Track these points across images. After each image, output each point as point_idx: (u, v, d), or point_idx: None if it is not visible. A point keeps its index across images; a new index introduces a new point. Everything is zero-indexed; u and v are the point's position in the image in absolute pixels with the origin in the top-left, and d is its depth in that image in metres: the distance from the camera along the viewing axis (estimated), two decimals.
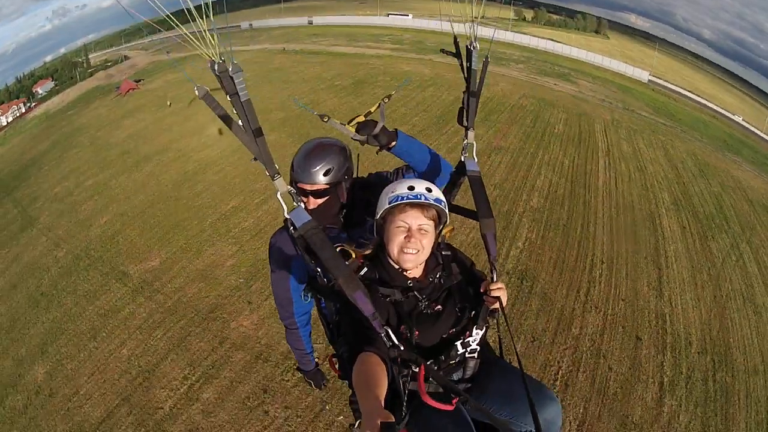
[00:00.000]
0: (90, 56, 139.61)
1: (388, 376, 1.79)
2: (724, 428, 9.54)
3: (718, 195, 22.17)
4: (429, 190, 2.07)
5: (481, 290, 2.14)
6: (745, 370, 11.12)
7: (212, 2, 1.70)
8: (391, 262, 2.12)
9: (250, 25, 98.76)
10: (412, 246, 2.04)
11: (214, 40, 1.73)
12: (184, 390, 9.77)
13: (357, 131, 2.31)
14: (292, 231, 2.00)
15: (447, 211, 2.12)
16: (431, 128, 24.14)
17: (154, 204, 18.43)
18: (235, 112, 1.84)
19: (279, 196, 1.99)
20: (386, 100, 2.40)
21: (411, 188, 2.05)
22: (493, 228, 2.22)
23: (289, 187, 2.03)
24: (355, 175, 2.57)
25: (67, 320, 13.77)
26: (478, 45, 2.32)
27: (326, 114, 2.34)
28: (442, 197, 2.11)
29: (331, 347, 2.61)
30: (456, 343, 2.08)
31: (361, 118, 2.33)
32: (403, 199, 2.03)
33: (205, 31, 1.68)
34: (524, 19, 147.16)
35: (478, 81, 2.38)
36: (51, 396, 10.89)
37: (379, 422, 1.34)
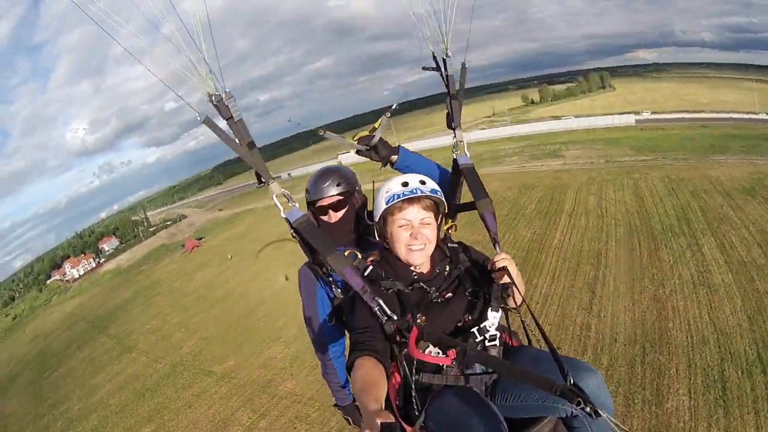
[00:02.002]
0: (148, 214, 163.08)
1: (387, 377, 1.81)
2: (656, 399, 11.48)
3: (684, 205, 25.24)
4: (423, 182, 2.10)
5: (489, 268, 2.14)
6: (689, 344, 13.30)
7: (207, 34, 1.92)
8: (397, 259, 2.13)
9: (289, 174, 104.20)
10: (418, 242, 2.07)
11: (211, 77, 1.95)
12: (248, 426, 17.63)
13: (357, 143, 2.54)
14: (287, 223, 2.18)
15: (443, 199, 2.15)
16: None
17: (227, 329, 27.59)
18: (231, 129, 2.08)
19: (275, 198, 2.14)
20: (388, 115, 2.59)
21: (405, 184, 2.08)
22: (490, 207, 2.30)
23: (283, 190, 2.16)
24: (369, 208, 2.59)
25: (168, 401, 22.09)
26: (451, 54, 2.52)
27: (321, 128, 2.59)
28: (437, 187, 2.14)
29: None
30: (473, 329, 2.01)
31: (364, 133, 2.56)
32: (399, 196, 2.04)
33: (208, 72, 1.95)
34: (532, 102, 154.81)
35: (458, 86, 2.58)
36: None
37: (379, 423, 1.34)
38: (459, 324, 2.02)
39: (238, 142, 2.05)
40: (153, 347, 31.16)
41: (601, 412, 1.35)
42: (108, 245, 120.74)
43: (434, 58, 2.54)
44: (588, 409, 1.37)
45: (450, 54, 2.50)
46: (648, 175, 34.24)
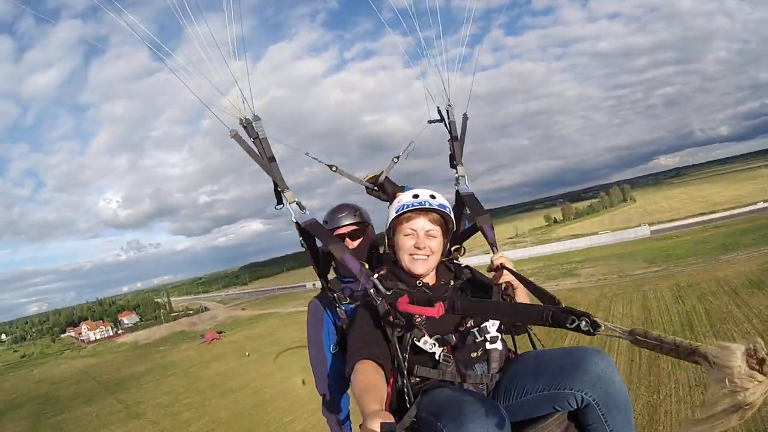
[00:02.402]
0: (171, 299, 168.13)
1: (387, 379, 1.83)
2: None
3: (689, 311, 25.88)
4: (433, 197, 2.16)
5: (487, 271, 2.29)
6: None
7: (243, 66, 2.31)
8: (403, 271, 2.18)
9: (314, 285, 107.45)
10: (422, 251, 2.11)
11: (244, 105, 2.31)
12: None
13: (368, 182, 2.83)
14: (296, 227, 2.34)
15: (452, 216, 2.21)
16: None
17: (237, 416, 30.35)
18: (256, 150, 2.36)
19: (288, 205, 2.34)
20: (396, 160, 2.89)
21: (415, 196, 2.15)
22: (487, 220, 2.45)
23: (296, 198, 2.35)
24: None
25: None
26: (452, 103, 2.86)
27: (334, 164, 2.77)
28: (447, 203, 2.21)
29: None
30: (473, 330, 2.01)
31: (373, 174, 2.89)
32: (408, 206, 2.12)
33: (243, 100, 2.30)
34: (555, 221, 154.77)
35: (459, 130, 2.87)
36: None
37: (379, 423, 1.35)
38: (460, 329, 2.01)
39: (261, 156, 2.34)
40: (161, 419, 33.82)
41: (599, 322, 1.28)
42: (128, 319, 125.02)
43: (438, 111, 2.89)
44: (584, 325, 1.28)
45: (452, 104, 2.85)
46: (657, 285, 34.69)
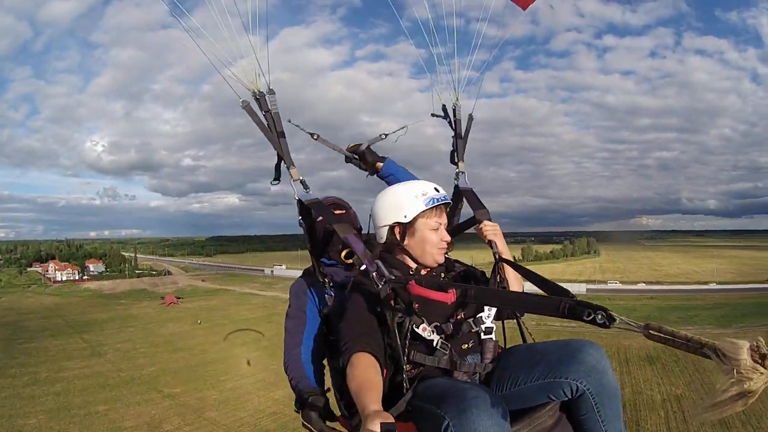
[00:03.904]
0: (138, 256, 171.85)
1: (383, 372, 1.81)
2: None
3: None
4: (439, 190, 2.22)
5: (475, 229, 2.47)
6: None
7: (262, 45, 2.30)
8: (396, 260, 2.17)
9: (272, 271, 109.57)
10: (445, 241, 2.18)
11: (257, 79, 2.30)
12: (176, 426, 27.80)
13: (348, 150, 2.83)
14: (298, 206, 2.33)
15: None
16: None
17: (183, 369, 38.11)
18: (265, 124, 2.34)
19: (292, 182, 2.31)
20: (383, 137, 2.88)
21: (437, 189, 2.19)
22: (487, 215, 2.50)
23: (301, 176, 2.33)
24: None
25: (122, 397, 32.24)
26: (460, 103, 2.90)
27: (316, 133, 2.70)
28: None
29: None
30: (468, 320, 2.03)
31: (355, 144, 2.86)
32: (437, 201, 2.15)
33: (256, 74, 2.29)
34: (514, 259, 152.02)
35: (464, 128, 2.91)
36: None
37: (379, 423, 1.34)
38: (452, 319, 2.01)
39: (270, 130, 2.32)
40: (119, 361, 41.34)
41: (615, 316, 1.32)
42: (94, 267, 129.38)
43: (443, 108, 2.92)
44: (599, 318, 1.33)
45: (459, 103, 2.88)
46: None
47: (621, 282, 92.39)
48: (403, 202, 2.15)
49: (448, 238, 2.19)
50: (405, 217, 2.13)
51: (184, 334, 51.40)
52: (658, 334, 1.33)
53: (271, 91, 2.33)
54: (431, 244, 2.14)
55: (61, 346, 46.15)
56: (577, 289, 78.04)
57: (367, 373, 1.71)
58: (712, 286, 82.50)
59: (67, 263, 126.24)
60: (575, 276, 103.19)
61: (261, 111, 2.33)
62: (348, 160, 2.88)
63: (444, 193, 2.21)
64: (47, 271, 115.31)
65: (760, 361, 1.21)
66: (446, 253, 2.24)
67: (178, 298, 77.25)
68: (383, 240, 2.19)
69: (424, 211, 2.12)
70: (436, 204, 2.14)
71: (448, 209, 2.26)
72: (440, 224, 2.17)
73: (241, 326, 46.96)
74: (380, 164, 2.80)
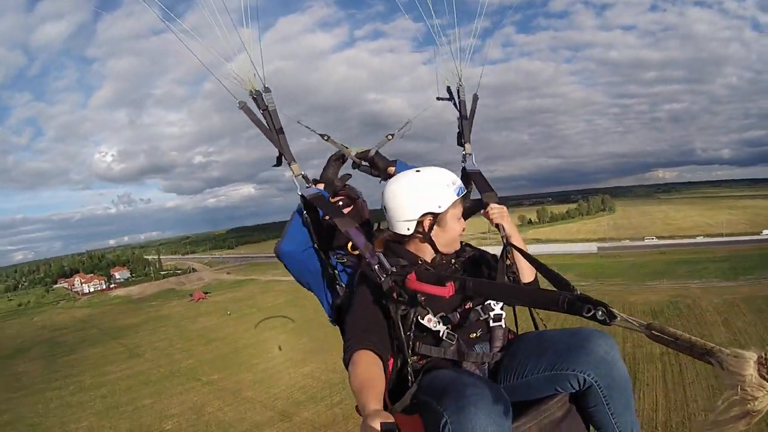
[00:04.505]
0: (161, 257, 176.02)
1: (385, 371, 1.76)
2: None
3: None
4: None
5: (482, 213, 2.40)
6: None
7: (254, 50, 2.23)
8: (404, 250, 2.13)
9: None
10: (464, 229, 2.17)
11: (253, 78, 2.25)
12: (216, 408, 28.91)
13: (357, 156, 2.76)
14: (301, 200, 2.29)
15: None
16: None
17: (218, 358, 39.35)
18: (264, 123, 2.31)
19: (294, 178, 2.30)
20: (389, 138, 2.81)
21: (456, 180, 2.13)
22: (495, 198, 2.43)
23: (302, 171, 2.32)
24: None
25: (165, 389, 33.55)
26: (464, 83, 2.81)
27: (326, 134, 2.71)
28: None
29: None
30: (476, 308, 1.99)
31: (363, 149, 2.77)
32: (463, 190, 2.12)
33: (254, 73, 2.25)
34: (530, 222, 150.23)
35: (469, 109, 2.84)
36: None
37: (379, 423, 1.33)
38: (460, 307, 1.97)
39: (269, 128, 2.30)
40: (157, 357, 42.78)
41: (615, 313, 1.28)
42: (119, 274, 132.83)
43: (448, 89, 2.86)
44: (600, 315, 1.30)
45: (463, 83, 2.81)
46: None
47: (631, 239, 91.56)
48: (436, 192, 2.05)
49: (465, 225, 2.18)
50: (439, 207, 2.04)
51: (216, 326, 52.79)
52: (660, 335, 1.26)
53: (267, 89, 2.29)
54: (454, 231, 2.10)
55: (101, 353, 47.85)
56: (588, 248, 78.92)
57: (368, 372, 1.69)
58: (721, 238, 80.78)
59: (92, 275, 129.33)
60: (589, 235, 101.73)
61: (259, 109, 2.30)
62: (356, 166, 2.80)
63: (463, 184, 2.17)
64: (73, 285, 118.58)
65: (767, 377, 1.09)
66: None
67: (206, 293, 79.00)
68: (410, 232, 2.08)
69: (455, 201, 2.07)
70: (464, 193, 2.12)
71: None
72: (461, 213, 2.16)
73: (268, 313, 47.83)
74: (392, 168, 2.71)
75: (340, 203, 2.68)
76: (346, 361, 1.78)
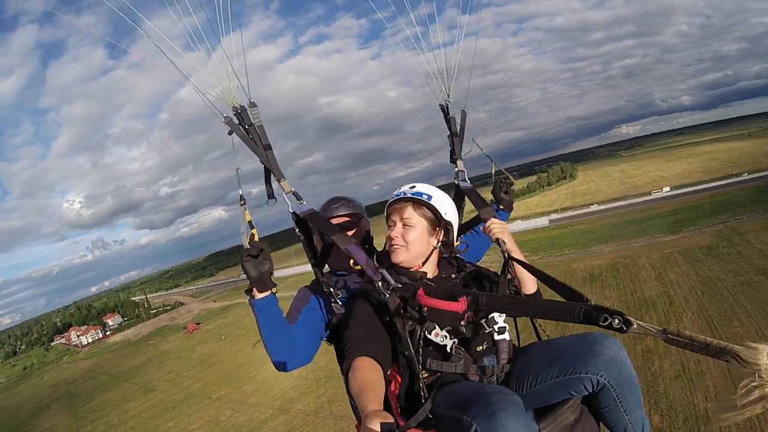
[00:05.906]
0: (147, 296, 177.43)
1: (385, 376, 1.77)
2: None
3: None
4: (412, 187, 2.19)
5: (482, 230, 2.40)
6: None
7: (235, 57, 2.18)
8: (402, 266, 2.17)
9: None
10: (395, 241, 2.13)
11: (238, 90, 2.22)
12: (229, 416, 36.73)
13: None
14: (294, 218, 2.30)
15: (435, 206, 2.16)
16: None
17: (221, 377, 46.97)
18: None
19: (284, 195, 2.27)
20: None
21: (401, 187, 2.22)
22: (491, 213, 2.47)
23: (292, 188, 2.28)
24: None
25: (184, 411, 41.16)
26: (452, 99, 2.87)
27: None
28: (430, 192, 2.18)
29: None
30: (480, 321, 2.00)
31: None
32: (390, 199, 2.20)
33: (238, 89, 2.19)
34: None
35: (459, 126, 2.90)
36: None
37: (379, 423, 1.31)
38: (463, 321, 1.97)
39: (256, 144, 2.22)
40: (169, 387, 50.17)
41: (631, 320, 1.31)
42: (112, 321, 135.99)
43: (441, 107, 2.91)
44: (616, 323, 1.33)
45: (451, 100, 2.86)
46: None
47: (582, 206, 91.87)
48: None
49: (397, 234, 2.16)
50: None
51: (213, 351, 60.15)
52: (677, 338, 1.31)
53: (253, 104, 2.25)
54: (387, 237, 2.22)
55: (118, 395, 54.66)
56: (540, 222, 78.80)
57: (367, 376, 1.69)
58: (668, 192, 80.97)
59: (86, 326, 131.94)
60: (548, 207, 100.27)
61: (244, 125, 2.24)
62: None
63: (403, 190, 2.22)
64: (71, 339, 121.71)
65: None
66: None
67: (198, 323, 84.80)
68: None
69: (385, 210, 2.23)
70: (389, 202, 2.22)
71: (414, 205, 2.17)
72: (394, 221, 2.19)
73: (257, 332, 54.49)
74: None
75: (347, 221, 2.67)
76: (346, 369, 1.79)
